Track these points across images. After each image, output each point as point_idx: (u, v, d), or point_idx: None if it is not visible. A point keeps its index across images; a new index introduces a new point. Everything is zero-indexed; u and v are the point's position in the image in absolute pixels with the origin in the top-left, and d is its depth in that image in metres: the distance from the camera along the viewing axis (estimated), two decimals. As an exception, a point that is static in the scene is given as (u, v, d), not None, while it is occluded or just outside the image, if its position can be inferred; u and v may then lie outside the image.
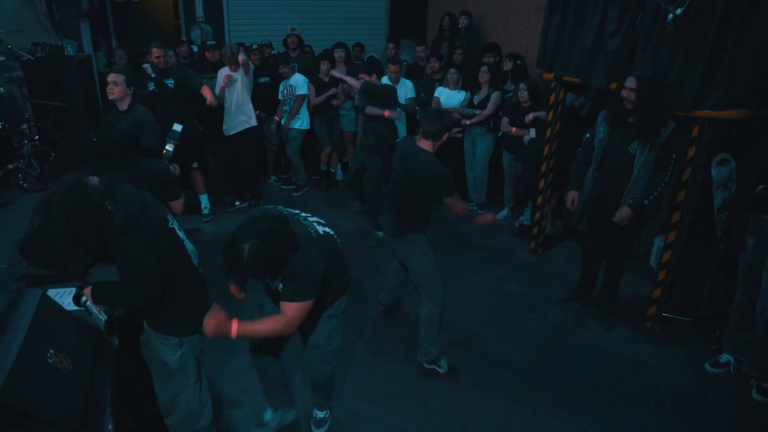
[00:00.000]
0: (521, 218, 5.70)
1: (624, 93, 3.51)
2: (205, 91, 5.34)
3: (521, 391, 3.43)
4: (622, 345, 3.91)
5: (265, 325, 2.37)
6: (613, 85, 3.89)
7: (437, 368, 3.57)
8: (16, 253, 3.11)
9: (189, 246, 2.46)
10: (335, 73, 6.22)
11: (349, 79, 5.85)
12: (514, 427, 3.17)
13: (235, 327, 2.26)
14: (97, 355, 2.30)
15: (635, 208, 3.58)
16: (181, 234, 2.41)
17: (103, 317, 2.34)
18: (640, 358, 3.76)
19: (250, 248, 2.10)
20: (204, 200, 5.89)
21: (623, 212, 3.61)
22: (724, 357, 3.62)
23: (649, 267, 4.64)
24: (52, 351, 1.95)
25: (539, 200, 5.02)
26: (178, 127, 3.45)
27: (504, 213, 6.07)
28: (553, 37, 4.49)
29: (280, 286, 2.37)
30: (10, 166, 4.93)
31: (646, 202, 3.55)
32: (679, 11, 3.32)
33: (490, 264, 5.10)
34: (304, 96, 6.23)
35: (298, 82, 6.21)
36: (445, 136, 3.36)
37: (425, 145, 3.35)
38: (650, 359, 3.75)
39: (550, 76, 4.58)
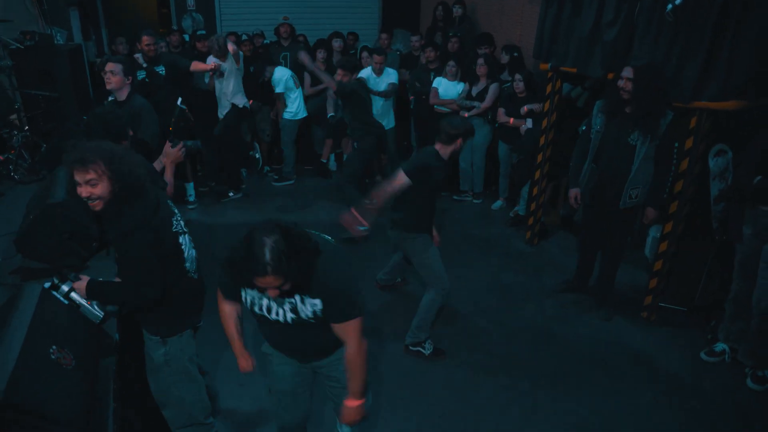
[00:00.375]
0: (516, 208, 5.70)
1: (621, 83, 3.51)
2: (196, 65, 5.30)
3: (519, 382, 3.45)
4: (619, 334, 3.94)
5: (355, 365, 2.18)
6: (611, 76, 3.88)
7: (422, 350, 3.64)
8: (10, 246, 3.05)
9: (190, 251, 2.41)
10: (304, 58, 5.41)
11: (325, 78, 5.41)
12: (513, 419, 3.19)
13: (355, 401, 2.22)
14: (99, 350, 2.28)
15: (657, 207, 3.72)
16: (181, 238, 2.35)
17: (99, 313, 2.31)
18: (637, 348, 3.79)
19: (275, 242, 1.81)
20: (190, 188, 5.87)
21: (649, 214, 3.76)
22: (719, 346, 3.66)
23: (645, 257, 4.67)
24: (54, 347, 1.92)
25: (535, 190, 5.03)
26: (179, 102, 3.39)
27: (499, 203, 6.09)
28: (549, 27, 4.47)
29: (305, 312, 2.08)
30: (1, 158, 4.85)
31: (665, 196, 3.65)
32: (678, 2, 3.30)
33: (485, 254, 5.11)
34: (281, 94, 6.24)
35: (276, 82, 6.22)
36: (458, 142, 3.36)
37: (438, 146, 3.40)
38: (647, 348, 3.79)
39: (547, 66, 4.55)
